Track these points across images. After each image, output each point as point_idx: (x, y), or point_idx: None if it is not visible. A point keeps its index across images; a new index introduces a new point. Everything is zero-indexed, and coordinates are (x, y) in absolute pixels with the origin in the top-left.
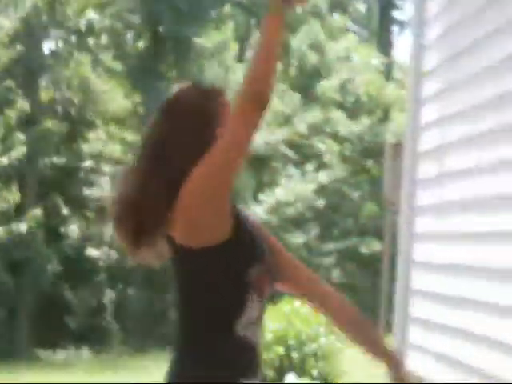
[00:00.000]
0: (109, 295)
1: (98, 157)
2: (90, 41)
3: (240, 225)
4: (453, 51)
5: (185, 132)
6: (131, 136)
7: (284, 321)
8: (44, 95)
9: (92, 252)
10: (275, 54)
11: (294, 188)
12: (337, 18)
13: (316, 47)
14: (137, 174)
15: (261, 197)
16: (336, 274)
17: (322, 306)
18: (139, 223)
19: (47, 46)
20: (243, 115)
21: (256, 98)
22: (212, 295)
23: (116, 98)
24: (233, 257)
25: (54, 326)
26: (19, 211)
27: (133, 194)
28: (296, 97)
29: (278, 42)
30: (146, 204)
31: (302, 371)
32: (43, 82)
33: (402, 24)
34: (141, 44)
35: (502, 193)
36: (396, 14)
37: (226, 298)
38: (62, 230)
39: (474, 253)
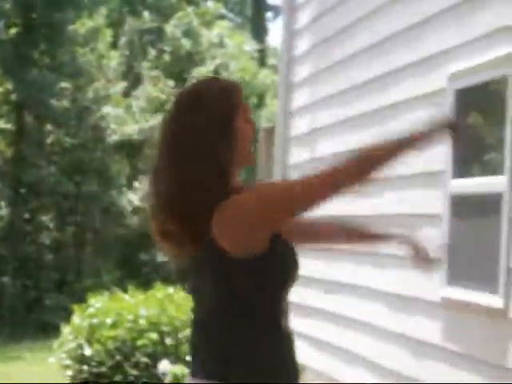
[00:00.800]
0: None
1: None
2: None
3: (280, 238)
4: (322, 37)
5: (211, 126)
6: (3, 124)
7: (157, 307)
8: None
9: None
10: (387, 164)
11: None
12: (211, 5)
13: (190, 34)
14: (166, 172)
15: (135, 184)
16: None
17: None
18: (176, 221)
19: None
20: (336, 180)
21: (357, 174)
22: (258, 296)
23: None
24: (275, 265)
25: None
26: None
27: (168, 193)
28: (170, 83)
29: (401, 156)
30: (184, 204)
31: (175, 357)
32: None
33: (276, 10)
34: (13, 31)
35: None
36: (270, 0)
37: (270, 298)
38: None
39: None
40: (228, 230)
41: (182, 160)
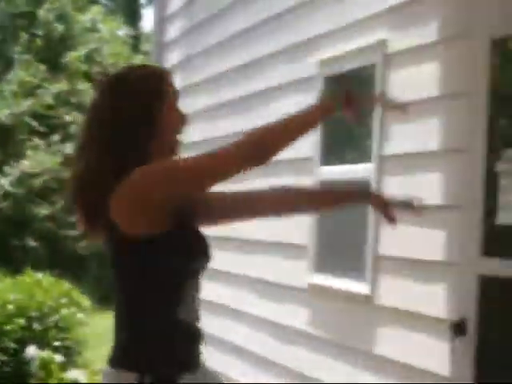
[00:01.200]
0: None
1: None
2: None
3: (184, 219)
4: (194, 23)
5: (132, 110)
6: None
7: (25, 292)
8: None
9: None
10: (299, 137)
11: (39, 159)
12: None
13: (63, 18)
14: (85, 152)
15: (6, 169)
16: (83, 244)
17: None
18: (92, 202)
19: None
20: (237, 158)
21: (259, 155)
22: (154, 282)
23: None
24: (173, 247)
25: None
26: None
27: (82, 173)
28: (42, 67)
29: (311, 129)
30: (95, 184)
31: (43, 343)
32: None
33: None
34: None
35: None
36: None
37: (167, 286)
38: None
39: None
40: (121, 206)
41: (101, 144)
